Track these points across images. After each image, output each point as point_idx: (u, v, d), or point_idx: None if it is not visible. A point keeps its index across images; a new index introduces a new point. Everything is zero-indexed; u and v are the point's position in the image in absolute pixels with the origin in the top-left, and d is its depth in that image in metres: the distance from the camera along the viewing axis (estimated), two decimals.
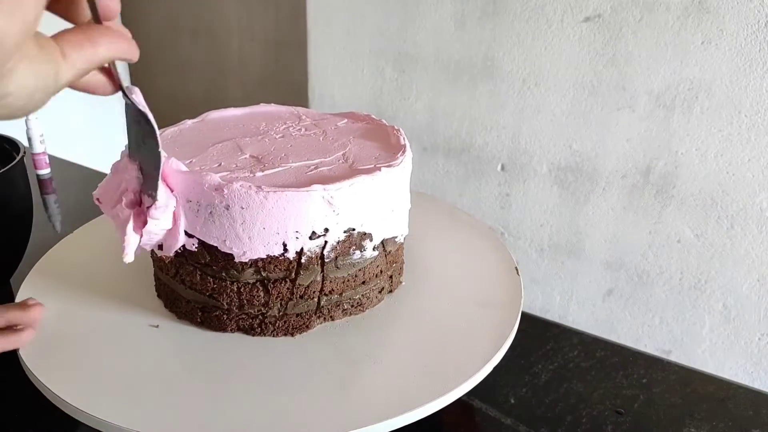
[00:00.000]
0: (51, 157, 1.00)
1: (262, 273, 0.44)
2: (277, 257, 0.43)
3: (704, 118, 0.86)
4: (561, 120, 0.98)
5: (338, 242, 0.44)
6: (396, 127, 0.54)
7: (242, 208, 0.41)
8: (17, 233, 0.64)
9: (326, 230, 0.43)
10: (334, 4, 1.16)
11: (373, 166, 0.46)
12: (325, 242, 0.44)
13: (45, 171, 0.97)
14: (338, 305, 0.48)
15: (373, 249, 0.47)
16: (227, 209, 0.41)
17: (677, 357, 0.99)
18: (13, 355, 0.43)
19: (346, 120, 0.57)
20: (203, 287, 0.46)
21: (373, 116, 0.57)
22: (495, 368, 0.44)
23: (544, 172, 1.03)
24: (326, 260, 0.45)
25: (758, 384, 0.94)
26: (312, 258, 0.44)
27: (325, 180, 0.43)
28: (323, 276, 0.45)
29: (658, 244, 0.96)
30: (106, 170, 0.53)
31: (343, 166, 0.46)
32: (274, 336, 0.46)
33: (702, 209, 0.90)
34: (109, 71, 0.34)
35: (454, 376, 0.41)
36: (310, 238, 0.43)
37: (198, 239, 0.44)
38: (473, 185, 1.12)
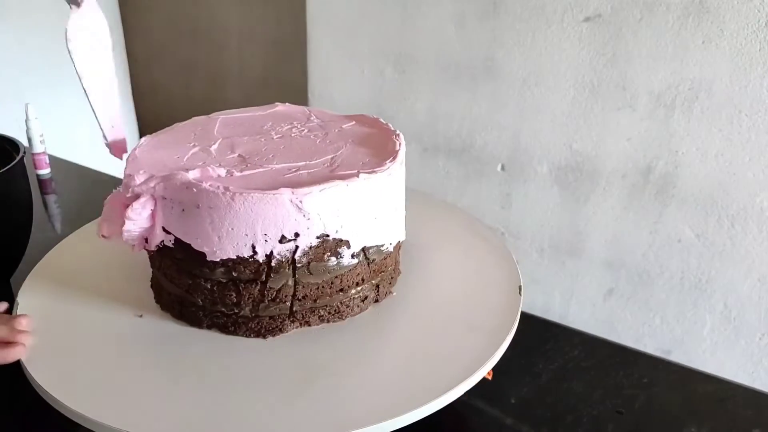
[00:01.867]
0: (51, 157, 1.00)
1: (233, 273, 0.44)
2: (246, 259, 0.43)
3: (704, 118, 0.86)
4: (561, 120, 0.98)
5: (311, 247, 0.43)
6: (397, 133, 0.52)
7: (210, 207, 0.41)
8: (17, 233, 0.64)
9: (296, 235, 0.42)
10: (334, 4, 1.16)
11: (353, 171, 0.44)
12: (296, 247, 0.43)
13: (45, 171, 0.97)
14: (313, 311, 0.46)
15: (352, 257, 0.45)
16: (197, 208, 0.42)
17: (677, 357, 0.99)
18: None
19: (353, 123, 0.56)
20: (180, 282, 0.46)
21: (381, 120, 0.56)
22: (496, 368, 0.44)
23: (545, 172, 1.03)
24: (298, 265, 0.44)
25: (758, 384, 0.93)
26: (283, 262, 0.43)
27: (298, 184, 0.42)
28: (295, 281, 0.44)
29: (659, 244, 0.96)
30: (106, 170, 0.53)
31: (325, 170, 0.45)
32: (246, 336, 0.46)
33: (702, 209, 0.90)
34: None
35: (451, 376, 0.41)
36: (280, 241, 0.42)
37: (174, 236, 0.44)
38: (473, 185, 1.12)
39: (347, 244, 0.45)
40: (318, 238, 0.43)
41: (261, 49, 1.55)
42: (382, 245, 0.48)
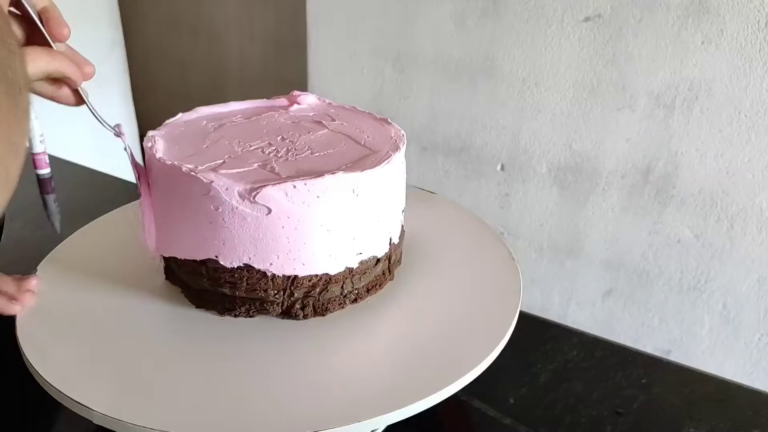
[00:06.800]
0: (51, 157, 1.00)
1: None
2: None
3: (704, 118, 0.86)
4: (561, 120, 0.98)
5: None
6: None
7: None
8: None
9: None
10: (334, 3, 1.16)
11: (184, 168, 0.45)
12: None
13: (45, 171, 0.97)
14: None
15: None
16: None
17: (677, 357, 0.99)
18: (15, 354, 0.43)
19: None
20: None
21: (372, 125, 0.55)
22: (494, 368, 0.44)
23: (544, 172, 1.03)
24: None
25: (758, 384, 0.93)
26: None
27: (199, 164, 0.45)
28: None
29: (658, 244, 0.96)
30: (106, 170, 0.53)
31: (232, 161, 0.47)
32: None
33: (702, 209, 0.90)
34: (75, 89, 0.43)
35: (447, 373, 0.41)
36: None
37: None
38: (473, 185, 1.12)
39: None
40: None
41: (261, 47, 1.55)
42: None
